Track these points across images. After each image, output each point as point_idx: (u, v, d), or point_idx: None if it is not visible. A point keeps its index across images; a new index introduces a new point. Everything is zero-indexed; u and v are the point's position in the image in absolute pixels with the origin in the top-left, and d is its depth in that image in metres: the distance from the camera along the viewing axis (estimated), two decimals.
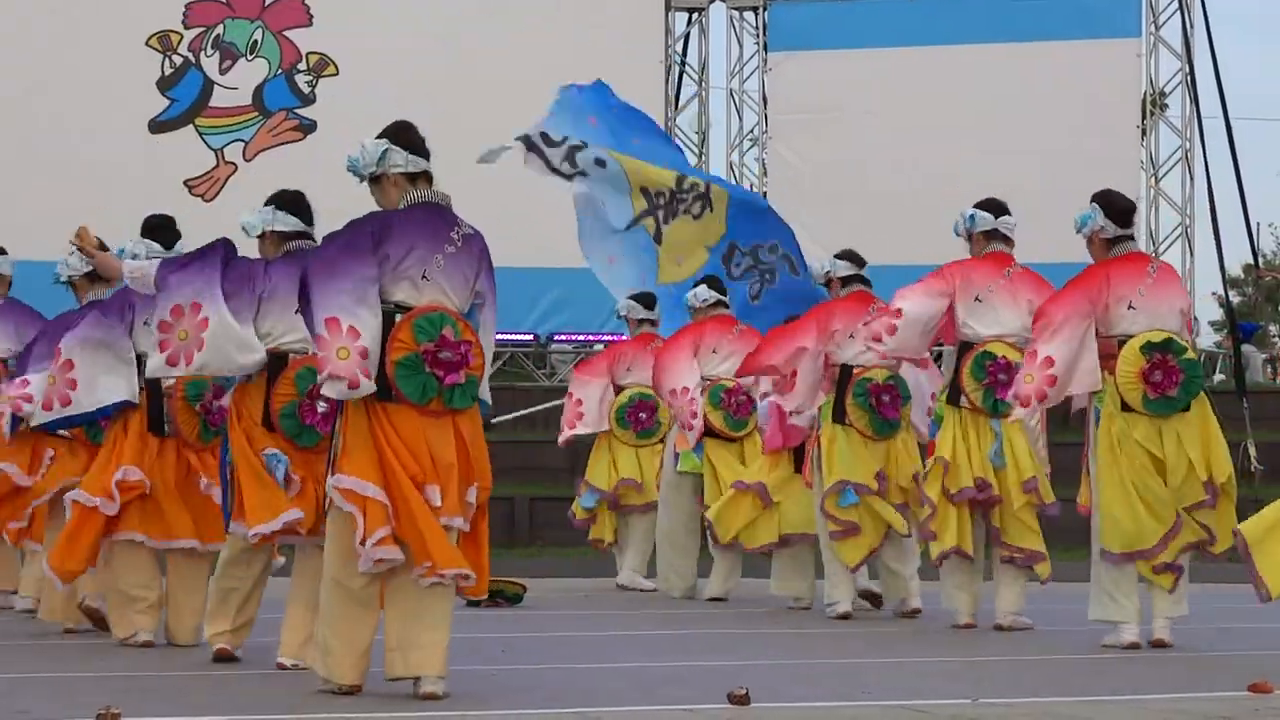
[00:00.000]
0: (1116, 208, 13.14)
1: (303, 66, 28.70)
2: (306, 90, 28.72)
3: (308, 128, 28.51)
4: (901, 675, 11.75)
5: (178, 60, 28.44)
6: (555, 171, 21.63)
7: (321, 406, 11.20)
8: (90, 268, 13.35)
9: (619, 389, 19.07)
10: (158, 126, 28.32)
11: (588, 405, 19.02)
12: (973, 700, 9.89)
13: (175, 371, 11.67)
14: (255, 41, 28.57)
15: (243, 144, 28.43)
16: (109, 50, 28.25)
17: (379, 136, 10.26)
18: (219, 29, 28.46)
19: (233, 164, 28.38)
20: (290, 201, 11.81)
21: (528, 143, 21.81)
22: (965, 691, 10.27)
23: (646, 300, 19.58)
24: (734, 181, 29.79)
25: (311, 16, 28.67)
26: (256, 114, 28.58)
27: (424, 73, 28.43)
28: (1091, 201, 13.21)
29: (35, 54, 28.20)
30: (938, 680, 11.24)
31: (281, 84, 28.68)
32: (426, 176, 10.27)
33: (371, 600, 10.14)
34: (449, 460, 10.06)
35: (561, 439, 19.61)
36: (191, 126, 28.52)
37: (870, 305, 16.17)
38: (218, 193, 28.08)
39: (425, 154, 10.36)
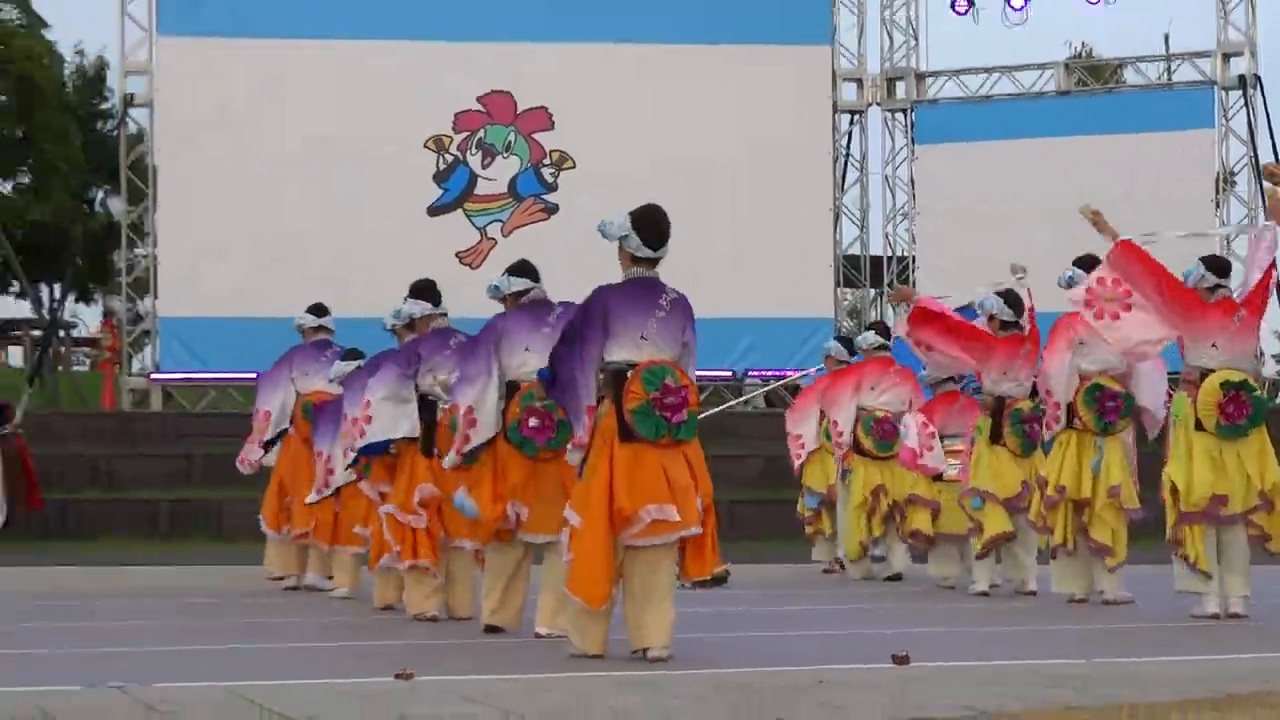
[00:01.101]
0: (1217, 265, 13.98)
1: (547, 162, 30.53)
2: (550, 180, 30.55)
3: (551, 210, 30.28)
4: (1025, 640, 12.39)
5: (449, 158, 30.39)
6: None
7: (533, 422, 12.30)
8: (403, 322, 14.65)
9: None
10: (434, 211, 30.27)
11: (806, 436, 19.61)
12: (1085, 660, 10.22)
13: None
14: (509, 142, 30.45)
15: (501, 223, 30.28)
16: (397, 150, 29.98)
17: (632, 213, 11.27)
18: (481, 133, 30.43)
19: (493, 239, 29.96)
20: (520, 269, 12.89)
21: None
22: (1079, 654, 10.65)
23: (849, 344, 20.16)
24: (890, 252, 31.98)
25: (554, 122, 30.43)
26: (511, 200, 30.43)
27: (639, 162, 29.31)
28: (1198, 260, 13.97)
29: (340, 153, 29.65)
30: (1055, 644, 11.78)
31: (531, 176, 30.53)
32: (650, 260, 11.24)
33: None
34: (684, 483, 10.81)
35: (796, 467, 19.95)
36: (461, 210, 30.39)
37: (890, 366, 18.74)
38: (482, 263, 29.17)
39: (656, 243, 11.23)
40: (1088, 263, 14.82)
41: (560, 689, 9.25)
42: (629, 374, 10.90)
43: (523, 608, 12.73)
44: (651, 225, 11.31)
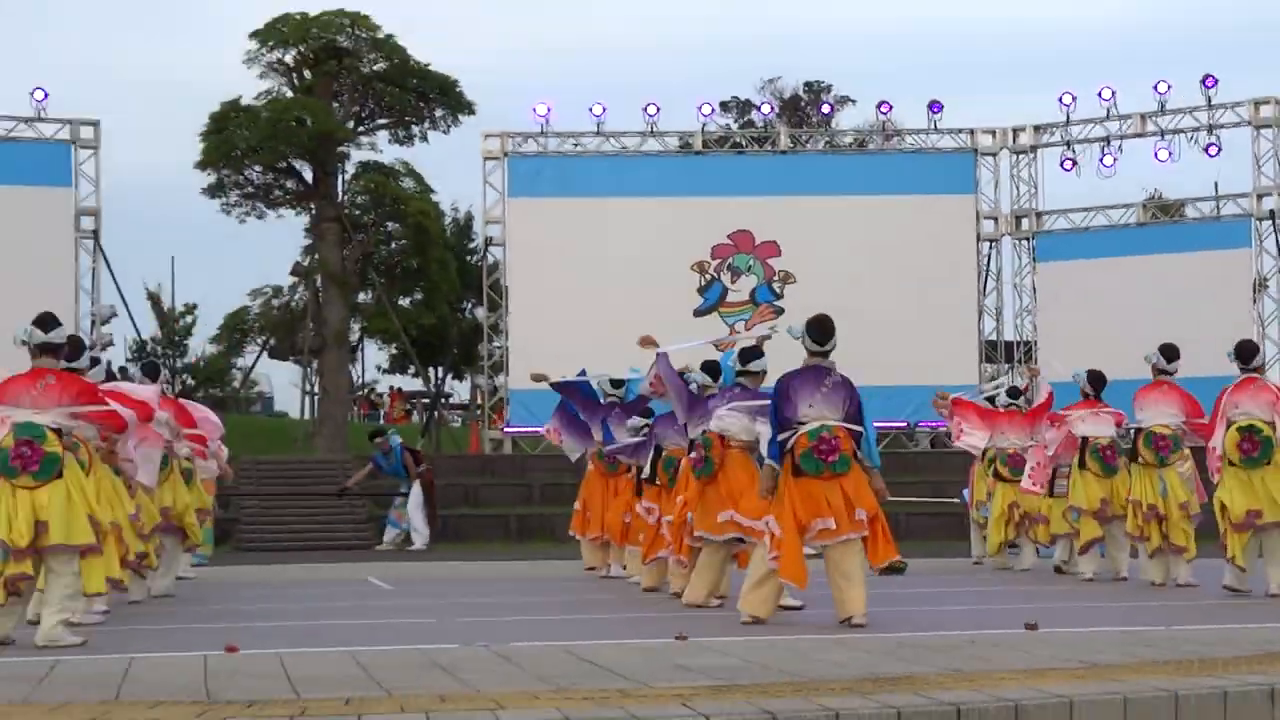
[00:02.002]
0: (1245, 351, 14.13)
1: (776, 279, 30.61)
2: (778, 291, 30.59)
3: (779, 312, 29.73)
4: (1122, 612, 12.15)
5: (708, 277, 30.57)
6: None
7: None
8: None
9: None
10: (698, 313, 30.35)
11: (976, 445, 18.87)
12: (1166, 627, 10.13)
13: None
14: (750, 265, 30.56)
15: (744, 321, 29.95)
16: (673, 271, 30.21)
17: (808, 320, 11.33)
18: (731, 259, 30.55)
19: (738, 333, 28.38)
20: (749, 353, 12.88)
21: None
22: (1161, 620, 10.70)
23: (991, 402, 19.53)
24: (1019, 338, 31.44)
25: (781, 250, 30.53)
26: (751, 305, 30.44)
27: (841, 277, 29.21)
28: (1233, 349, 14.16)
29: (635, 272, 29.68)
30: (1143, 615, 11.52)
31: (765, 289, 30.59)
32: (820, 352, 11.22)
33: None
34: (838, 503, 10.91)
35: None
36: (716, 313, 30.48)
37: (1016, 416, 18.47)
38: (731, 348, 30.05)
39: (822, 340, 11.20)
40: (1165, 351, 15.15)
41: (787, 647, 9.17)
42: (799, 430, 11.08)
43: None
44: (819, 329, 11.34)
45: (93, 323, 29.74)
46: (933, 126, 31.49)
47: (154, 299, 50.47)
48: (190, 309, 52.41)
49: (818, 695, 6.90)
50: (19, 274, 27.75)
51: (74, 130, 29.48)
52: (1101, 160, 30.82)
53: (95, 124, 29.69)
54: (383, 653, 8.96)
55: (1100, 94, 30.65)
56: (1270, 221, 29.67)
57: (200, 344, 51.55)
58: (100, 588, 10.64)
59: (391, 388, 52.03)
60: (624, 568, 16.67)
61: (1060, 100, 30.94)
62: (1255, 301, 29.72)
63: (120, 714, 6.57)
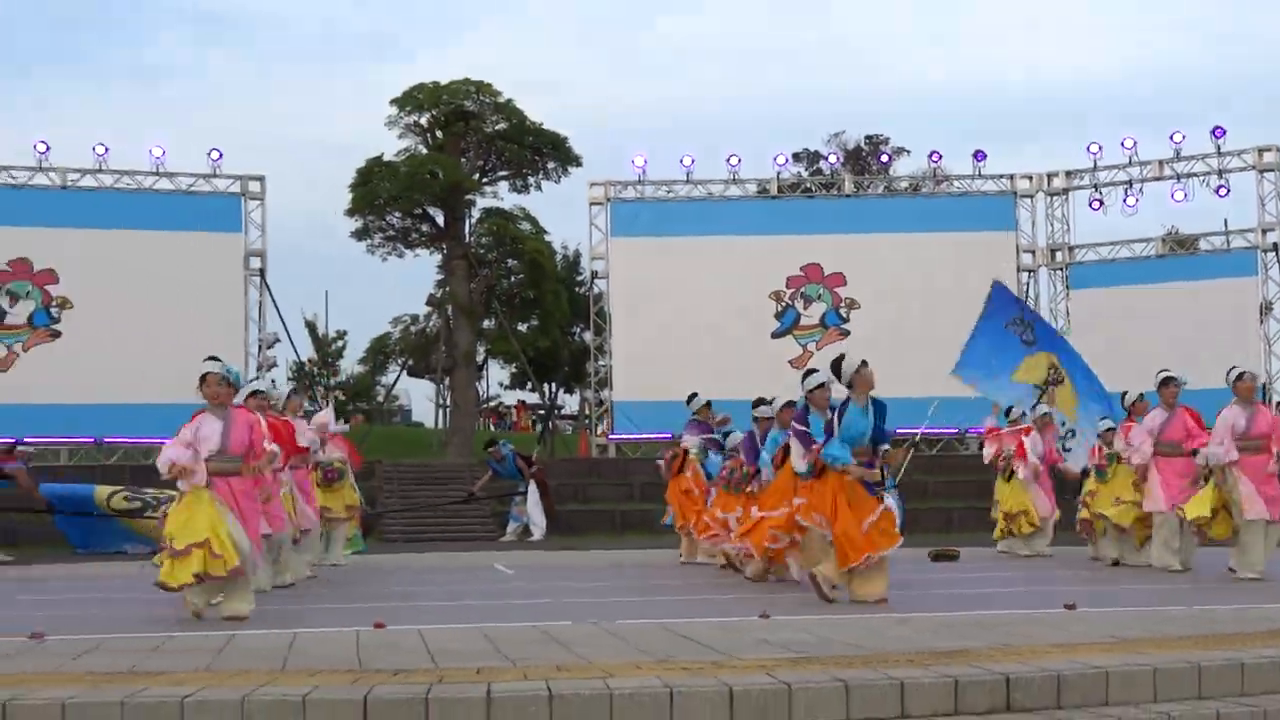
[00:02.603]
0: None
1: (843, 305, 30.26)
2: (845, 315, 30.19)
3: (845, 334, 29.76)
4: (1151, 594, 12.09)
5: (784, 304, 30.35)
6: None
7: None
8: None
9: None
10: (775, 335, 30.22)
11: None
12: (1188, 606, 10.47)
13: None
14: (820, 294, 30.28)
15: (815, 342, 29.95)
16: (753, 299, 30.06)
17: (831, 362, 11.50)
18: (803, 288, 30.36)
19: (811, 352, 29.43)
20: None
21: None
22: (1185, 601, 10.83)
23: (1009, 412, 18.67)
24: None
25: (847, 280, 30.23)
26: (821, 328, 30.14)
27: (897, 304, 29.41)
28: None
29: (720, 301, 29.58)
30: (1170, 597, 11.51)
31: (834, 313, 30.32)
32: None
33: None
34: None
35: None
36: (791, 335, 30.30)
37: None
38: (805, 364, 27.02)
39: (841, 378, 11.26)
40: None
41: (856, 624, 9.10)
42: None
43: None
44: (837, 368, 11.30)
45: (260, 347, 30.08)
46: (977, 173, 31.36)
47: (311, 327, 51.02)
48: (341, 335, 53.05)
49: (885, 667, 6.86)
50: (198, 307, 28.29)
51: (243, 184, 29.88)
52: (1125, 200, 30.57)
53: (261, 179, 30.06)
54: (507, 629, 8.98)
55: (1123, 143, 30.61)
56: (1274, 253, 29.35)
57: (350, 365, 52.17)
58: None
59: (519, 401, 52.31)
60: (710, 557, 16.56)
61: (1088, 149, 30.92)
62: (1262, 322, 29.38)
63: (287, 681, 6.63)
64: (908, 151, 48.18)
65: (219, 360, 10.82)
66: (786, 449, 12.76)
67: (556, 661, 7.21)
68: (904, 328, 29.06)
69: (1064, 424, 18.36)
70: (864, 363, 11.30)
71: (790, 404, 13.24)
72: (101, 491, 22.22)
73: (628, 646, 7.84)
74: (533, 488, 25.29)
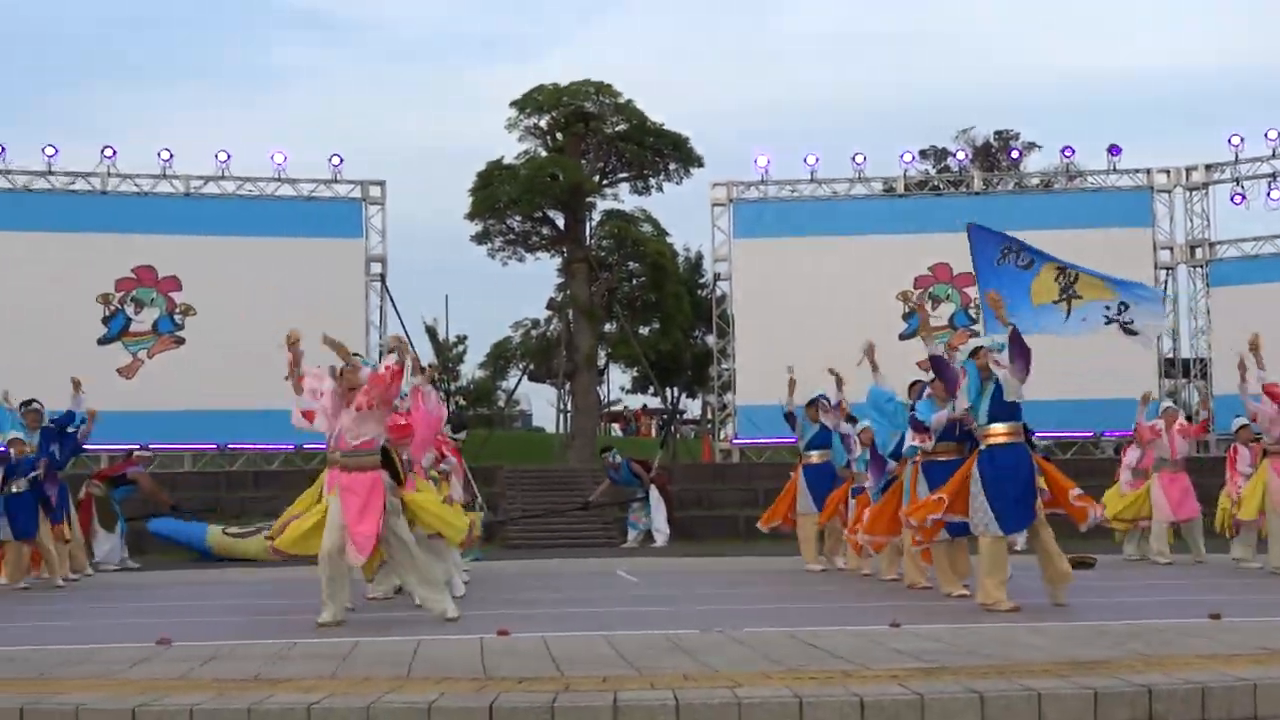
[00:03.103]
0: None
1: (973, 306, 29.64)
2: (974, 316, 29.37)
3: (975, 334, 28.64)
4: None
5: (910, 305, 30.00)
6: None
7: None
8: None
9: None
10: (902, 337, 29.62)
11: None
12: None
13: None
14: (948, 294, 30.08)
15: (943, 343, 29.97)
16: (875, 299, 29.64)
17: None
18: (931, 288, 30.09)
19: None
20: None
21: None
22: None
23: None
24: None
25: (958, 272, 31.61)
26: (950, 329, 29.31)
27: None
28: None
29: (836, 301, 28.99)
30: None
31: (962, 314, 29.95)
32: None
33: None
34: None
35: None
36: (919, 336, 28.89)
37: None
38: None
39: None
40: None
41: (989, 633, 9.02)
42: None
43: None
44: None
45: (380, 353, 30.39)
46: (1112, 167, 30.89)
47: (431, 332, 51.44)
48: (462, 340, 53.42)
49: (1020, 677, 6.77)
50: (319, 313, 28.43)
51: (364, 190, 30.29)
52: (1269, 194, 29.86)
53: (382, 184, 30.45)
54: (632, 636, 8.99)
55: (1266, 135, 29.86)
56: None
57: (470, 369, 52.57)
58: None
59: (642, 406, 52.44)
60: (845, 562, 16.51)
61: (1229, 141, 30.24)
62: None
63: (412, 688, 6.71)
64: (1039, 146, 47.44)
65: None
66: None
67: (683, 670, 7.21)
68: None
69: (1108, 308, 16.69)
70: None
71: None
72: (214, 531, 22.65)
73: (755, 655, 7.81)
74: (654, 493, 25.31)
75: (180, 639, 9.07)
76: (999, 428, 11.15)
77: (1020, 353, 10.98)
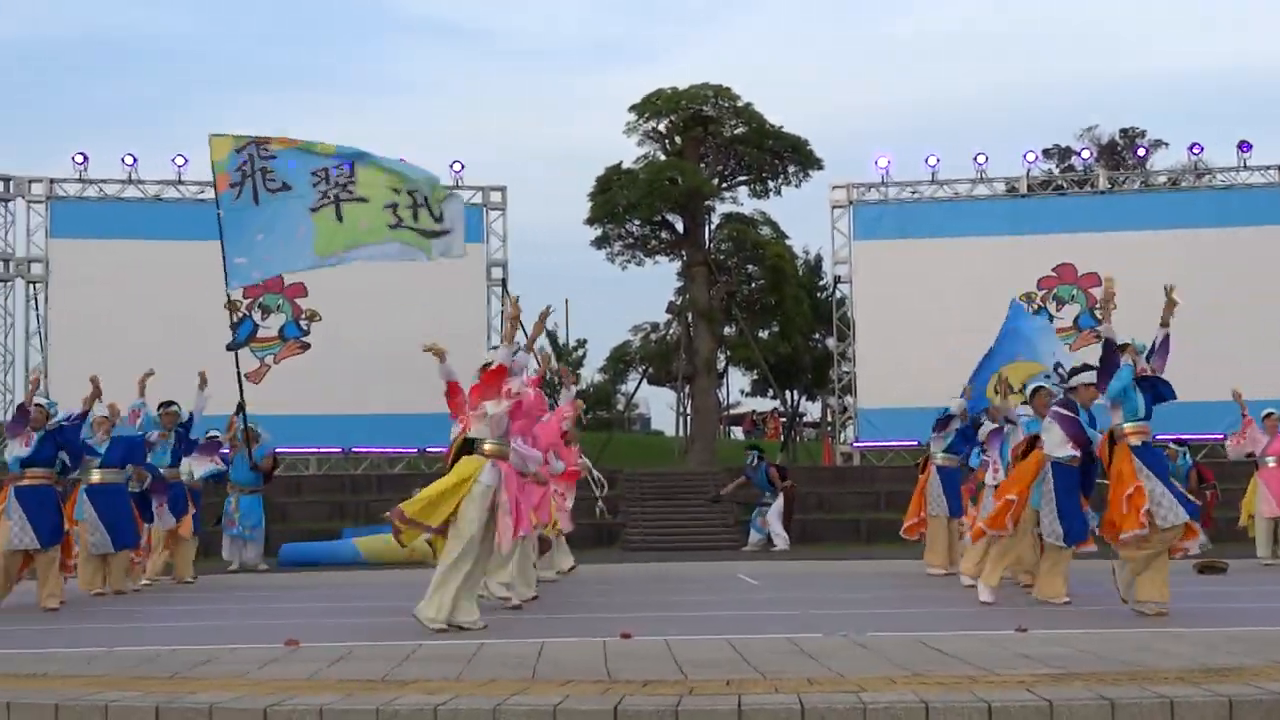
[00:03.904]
0: None
1: (1098, 307, 30.02)
2: (1100, 318, 30.75)
3: (1099, 337, 30.45)
4: None
5: (1035, 306, 29.02)
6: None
7: None
8: None
9: None
10: None
11: None
12: None
13: None
14: (1073, 295, 29.64)
15: (1068, 344, 27.58)
16: (998, 301, 28.11)
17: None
18: (1056, 289, 29.66)
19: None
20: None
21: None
22: None
23: None
24: None
25: (1101, 281, 31.03)
26: (1075, 330, 29.25)
27: (1155, 305, 30.50)
28: None
29: (962, 301, 28.24)
30: None
31: (1087, 316, 29.31)
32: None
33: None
34: None
35: None
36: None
37: None
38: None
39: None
40: None
41: (1118, 639, 8.85)
42: None
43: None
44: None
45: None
46: (1242, 164, 30.32)
47: (551, 336, 51.72)
48: (582, 343, 53.75)
49: (1152, 684, 6.65)
50: (441, 317, 28.93)
51: (485, 195, 30.56)
52: None
53: (503, 189, 30.70)
54: (755, 640, 8.96)
55: None
56: None
57: (590, 373, 52.81)
58: None
59: (774, 410, 52.34)
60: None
61: None
62: None
63: (538, 690, 6.74)
64: (1165, 144, 46.68)
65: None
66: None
67: (807, 674, 7.18)
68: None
69: (1048, 376, 15.95)
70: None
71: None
72: (366, 539, 22.47)
73: (880, 660, 7.76)
74: (779, 501, 25.26)
75: (308, 640, 9.20)
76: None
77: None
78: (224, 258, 16.16)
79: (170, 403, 17.59)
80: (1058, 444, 12.04)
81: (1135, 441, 11.10)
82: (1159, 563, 10.84)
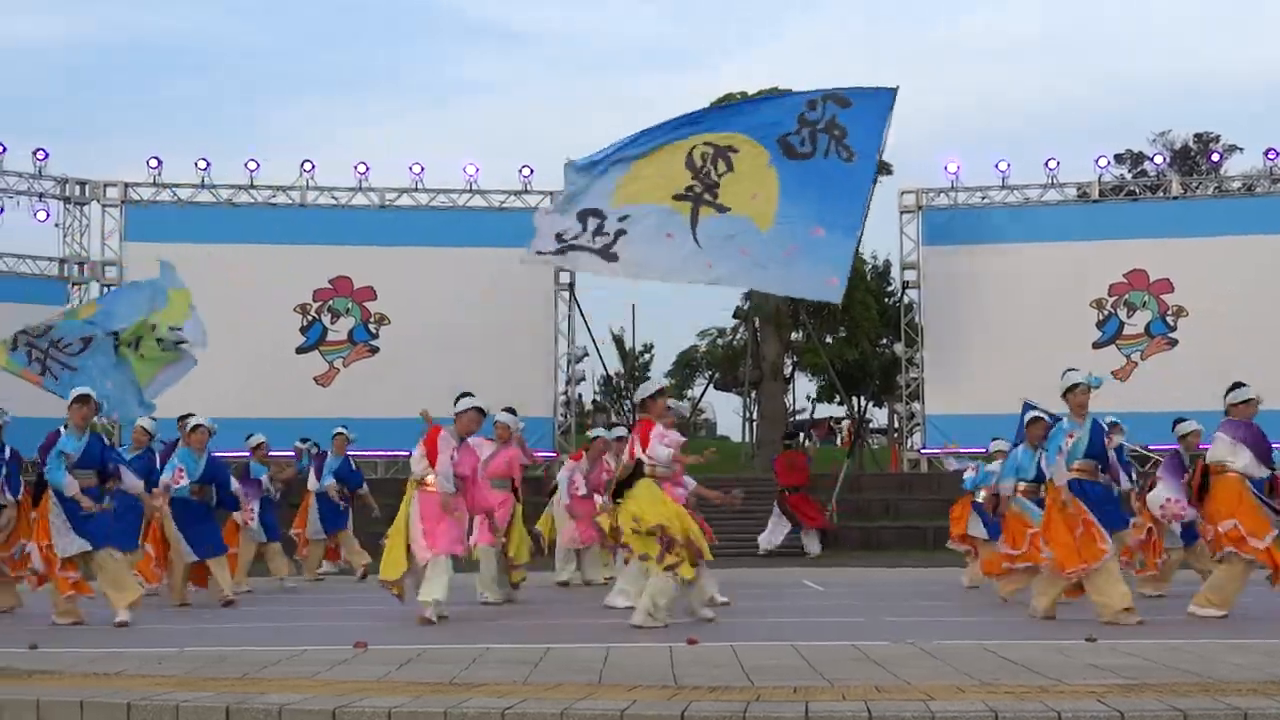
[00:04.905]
0: None
1: (1170, 313, 29.03)
2: (1172, 324, 29.02)
3: (1172, 343, 28.96)
4: None
5: (1105, 313, 29.32)
6: (601, 253, 14.94)
7: None
8: None
9: None
10: (1096, 345, 28.99)
11: None
12: None
13: None
14: (1145, 301, 29.19)
15: (1139, 351, 29.09)
16: (1068, 307, 29.02)
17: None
18: (1126, 295, 29.27)
19: (1135, 364, 28.92)
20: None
21: (562, 254, 15.39)
22: None
23: None
24: None
25: (1174, 287, 29.02)
26: (1146, 337, 29.08)
27: (1229, 311, 28.08)
28: None
29: (1027, 309, 29.02)
30: None
31: (1159, 322, 29.10)
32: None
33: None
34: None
35: None
36: (1114, 345, 29.19)
37: None
38: (1128, 376, 28.67)
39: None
40: None
41: (1188, 649, 8.75)
42: None
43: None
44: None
45: (569, 361, 30.82)
46: None
47: (618, 341, 51.92)
48: (648, 348, 53.88)
49: (1224, 695, 6.57)
50: (509, 322, 29.24)
51: (553, 200, 30.57)
52: None
53: None
54: (822, 647, 8.94)
55: None
56: None
57: (657, 378, 52.89)
58: None
59: (851, 417, 52.25)
60: None
61: None
62: None
63: (605, 694, 6.76)
64: (1240, 149, 46.29)
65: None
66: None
67: (875, 681, 7.16)
68: (1238, 334, 27.84)
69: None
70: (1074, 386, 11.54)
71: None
72: None
73: (948, 668, 7.72)
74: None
75: (376, 643, 9.26)
76: None
77: None
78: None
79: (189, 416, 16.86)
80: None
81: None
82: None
